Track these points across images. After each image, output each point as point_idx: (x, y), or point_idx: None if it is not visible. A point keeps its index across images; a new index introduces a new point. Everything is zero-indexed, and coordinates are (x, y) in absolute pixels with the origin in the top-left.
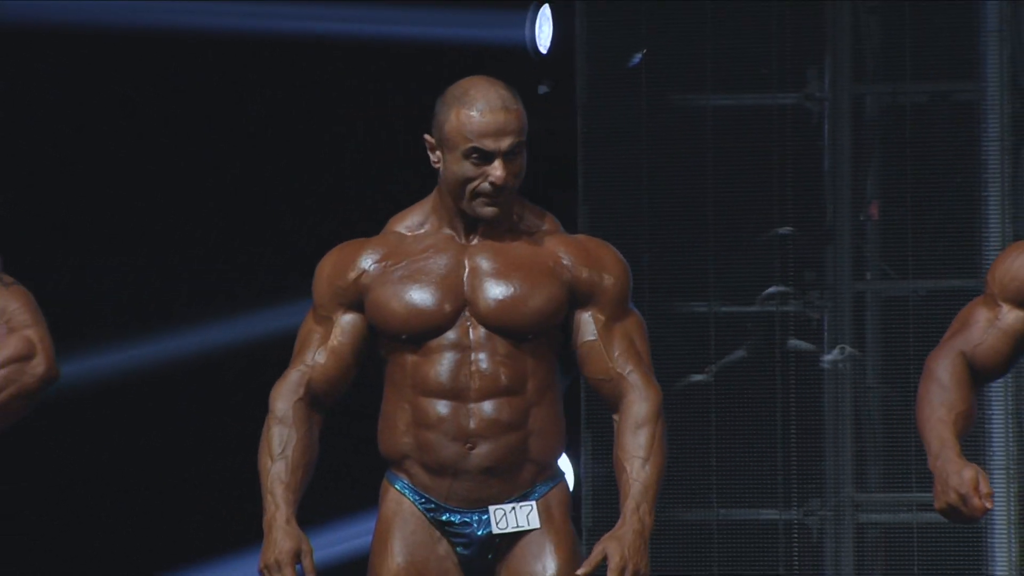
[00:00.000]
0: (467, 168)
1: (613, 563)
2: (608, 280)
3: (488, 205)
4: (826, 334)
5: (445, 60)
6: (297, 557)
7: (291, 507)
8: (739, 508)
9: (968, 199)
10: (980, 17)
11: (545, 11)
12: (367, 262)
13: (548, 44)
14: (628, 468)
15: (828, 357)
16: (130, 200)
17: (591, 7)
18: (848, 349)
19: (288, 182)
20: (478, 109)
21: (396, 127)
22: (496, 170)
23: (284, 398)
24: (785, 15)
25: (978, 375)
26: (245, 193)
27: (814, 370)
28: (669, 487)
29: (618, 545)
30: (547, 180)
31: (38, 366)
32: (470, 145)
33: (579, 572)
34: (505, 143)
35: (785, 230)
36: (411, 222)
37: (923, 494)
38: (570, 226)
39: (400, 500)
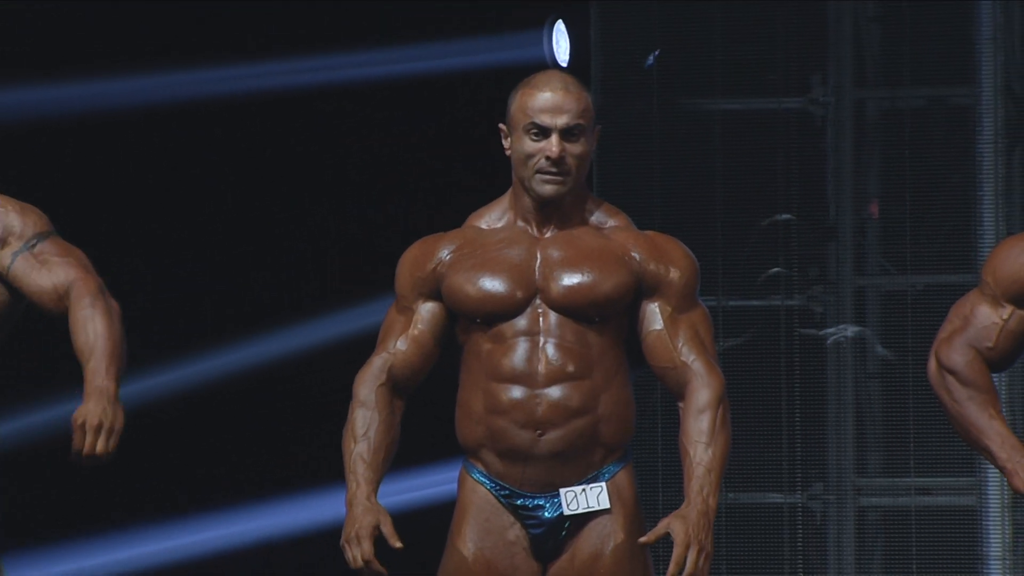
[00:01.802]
0: (527, 144)
1: (679, 539)
2: (675, 274)
3: (547, 183)
4: (828, 326)
5: (473, 88)
6: (377, 530)
7: (371, 485)
8: (746, 492)
9: (964, 198)
10: (975, 25)
11: (559, 27)
12: (444, 252)
13: (567, 57)
14: (691, 452)
15: (832, 339)
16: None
17: (605, 16)
18: (851, 330)
19: (358, 204)
20: (539, 88)
21: (431, 156)
22: (552, 145)
23: (367, 383)
24: (790, 24)
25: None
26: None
27: (817, 361)
28: (678, 473)
29: (683, 524)
30: None
31: (111, 298)
32: (529, 120)
33: (641, 540)
34: (561, 120)
35: (787, 216)
36: (489, 218)
37: (921, 479)
38: None
39: (476, 488)
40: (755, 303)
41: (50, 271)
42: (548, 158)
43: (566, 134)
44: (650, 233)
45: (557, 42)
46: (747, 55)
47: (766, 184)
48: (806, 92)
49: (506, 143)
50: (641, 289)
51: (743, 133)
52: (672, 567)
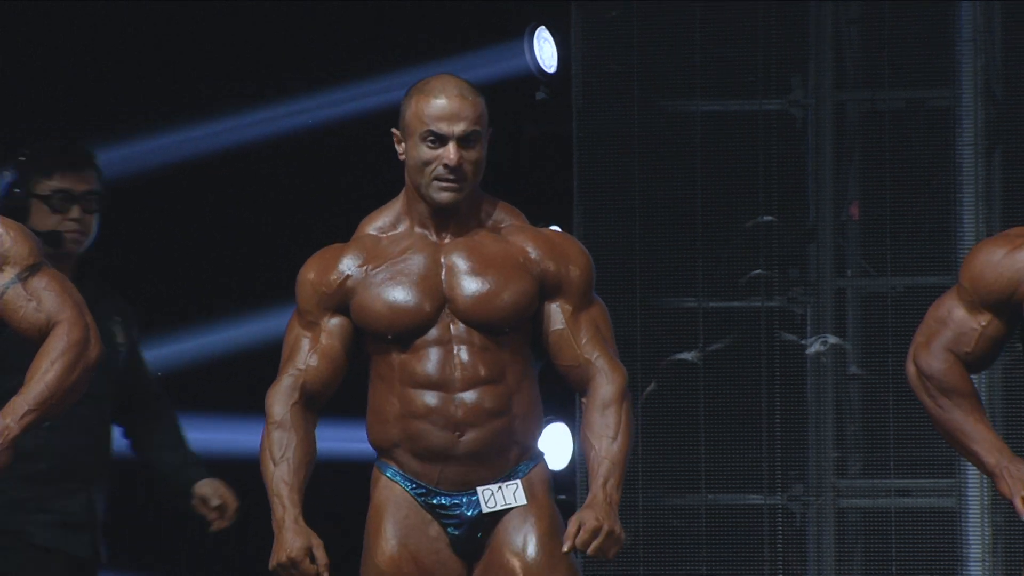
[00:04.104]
0: (424, 152)
1: (588, 525)
2: (574, 272)
3: (444, 190)
4: (809, 328)
5: None
6: (309, 552)
7: (297, 507)
8: (726, 493)
9: (943, 200)
10: (955, 27)
11: (541, 33)
12: (349, 267)
13: (555, 63)
14: (596, 446)
15: (811, 350)
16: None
17: (585, 18)
18: (831, 339)
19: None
20: (434, 95)
21: None
22: (450, 152)
23: (280, 403)
24: (770, 26)
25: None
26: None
27: (798, 363)
28: (660, 474)
29: (592, 512)
30: (544, 181)
31: (95, 347)
32: (426, 128)
33: (564, 548)
34: (459, 128)
35: (768, 218)
36: (382, 223)
37: (900, 480)
38: (566, 225)
39: (391, 486)
40: (736, 304)
41: (40, 307)
42: (446, 166)
43: (463, 141)
44: (546, 231)
45: (541, 49)
46: (727, 57)
47: (746, 186)
48: (786, 94)
49: (400, 148)
50: (543, 289)
51: (723, 135)
52: (576, 541)
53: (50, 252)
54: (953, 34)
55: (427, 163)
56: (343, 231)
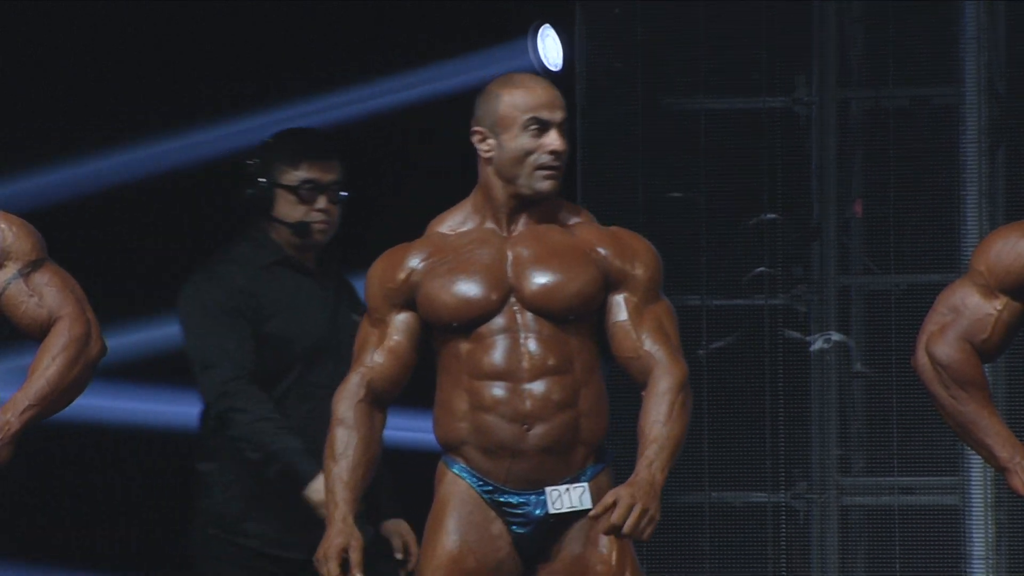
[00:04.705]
0: (526, 141)
1: (624, 501)
2: (639, 268)
3: (547, 178)
4: (812, 326)
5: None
6: (345, 552)
7: (348, 504)
8: (730, 491)
9: (947, 198)
10: (959, 25)
11: (548, 32)
12: (414, 261)
13: (560, 62)
14: (648, 431)
15: (815, 347)
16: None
17: (589, 16)
18: (835, 337)
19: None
20: (528, 87)
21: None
22: (555, 139)
23: (345, 401)
24: (774, 24)
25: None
26: None
27: (801, 361)
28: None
29: (629, 490)
30: None
31: (96, 342)
32: (529, 115)
33: (591, 513)
34: (558, 115)
35: (772, 216)
36: (452, 222)
37: (904, 478)
38: None
39: (457, 482)
40: (739, 303)
41: (42, 302)
42: (553, 152)
43: (559, 128)
44: (614, 229)
45: (545, 47)
46: (731, 55)
47: (750, 184)
48: (790, 92)
49: (485, 146)
50: (608, 284)
51: (727, 133)
52: (612, 520)
53: (296, 243)
54: (957, 32)
55: (529, 152)
56: (342, 229)
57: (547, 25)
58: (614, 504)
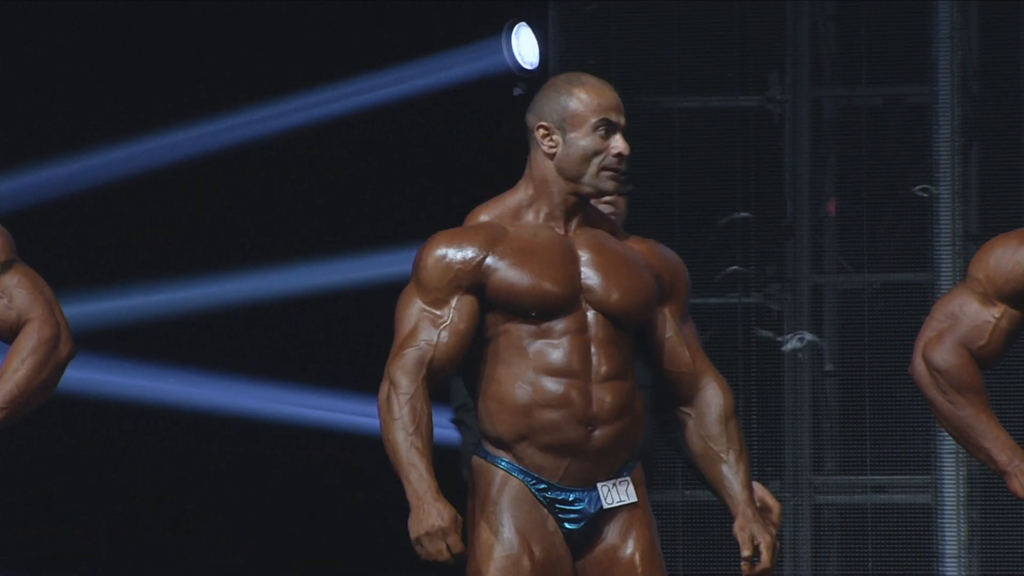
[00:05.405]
0: (595, 141)
1: (766, 542)
2: (680, 283)
3: (612, 179)
4: (785, 325)
5: (444, 104)
6: (460, 523)
7: (435, 480)
8: (703, 490)
9: (920, 197)
10: (932, 24)
11: (521, 30)
12: (485, 248)
13: (536, 60)
14: (725, 458)
15: (788, 347)
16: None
17: (563, 15)
18: (807, 336)
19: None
20: (599, 88)
21: (427, 179)
22: (621, 143)
23: (409, 375)
24: (748, 23)
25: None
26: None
27: (774, 360)
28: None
29: (760, 528)
30: (521, 177)
31: (66, 344)
32: (600, 117)
33: (745, 554)
34: (623, 120)
35: (745, 215)
36: (499, 211)
37: (876, 477)
38: None
39: (508, 479)
40: (712, 301)
41: (11, 304)
42: (619, 155)
43: (623, 133)
44: (652, 242)
45: (520, 46)
46: (705, 53)
47: (724, 182)
48: (764, 90)
49: (550, 141)
50: (659, 297)
51: (701, 131)
52: (766, 566)
53: None
54: (930, 31)
55: (597, 152)
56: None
57: (522, 24)
58: (756, 546)
